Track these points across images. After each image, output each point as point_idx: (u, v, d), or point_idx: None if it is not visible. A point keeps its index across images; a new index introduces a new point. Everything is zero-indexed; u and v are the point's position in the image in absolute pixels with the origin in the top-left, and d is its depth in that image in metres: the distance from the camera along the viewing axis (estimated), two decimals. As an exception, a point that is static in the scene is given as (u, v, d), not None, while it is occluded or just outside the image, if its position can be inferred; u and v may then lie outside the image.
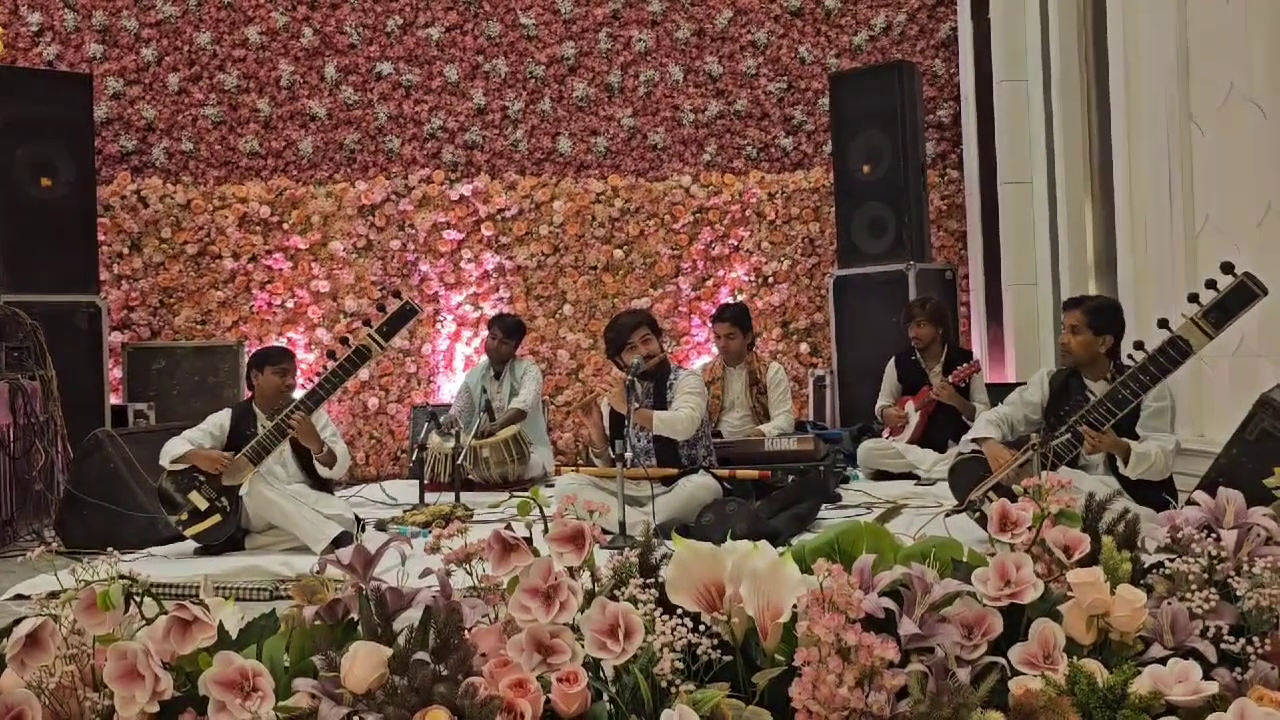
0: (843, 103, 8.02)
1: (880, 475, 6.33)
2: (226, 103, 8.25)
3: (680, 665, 1.93)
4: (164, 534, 4.95)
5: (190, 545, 4.84)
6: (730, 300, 8.13)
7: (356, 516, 5.04)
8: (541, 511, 2.42)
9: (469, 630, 2.07)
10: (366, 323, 4.83)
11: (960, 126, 8.47)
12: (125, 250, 8.04)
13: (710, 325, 6.96)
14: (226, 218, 8.10)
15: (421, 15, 8.40)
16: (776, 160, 8.57)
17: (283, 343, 7.91)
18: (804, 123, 8.57)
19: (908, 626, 2.00)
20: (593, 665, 2.03)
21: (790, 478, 5.26)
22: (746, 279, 8.47)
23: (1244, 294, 3.62)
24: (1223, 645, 2.04)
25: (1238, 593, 2.11)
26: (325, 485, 5.20)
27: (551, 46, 8.48)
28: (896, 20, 8.54)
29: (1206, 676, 1.96)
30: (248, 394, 5.30)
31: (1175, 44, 5.59)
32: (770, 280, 8.46)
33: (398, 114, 8.36)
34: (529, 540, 2.25)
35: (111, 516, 5.06)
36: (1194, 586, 2.10)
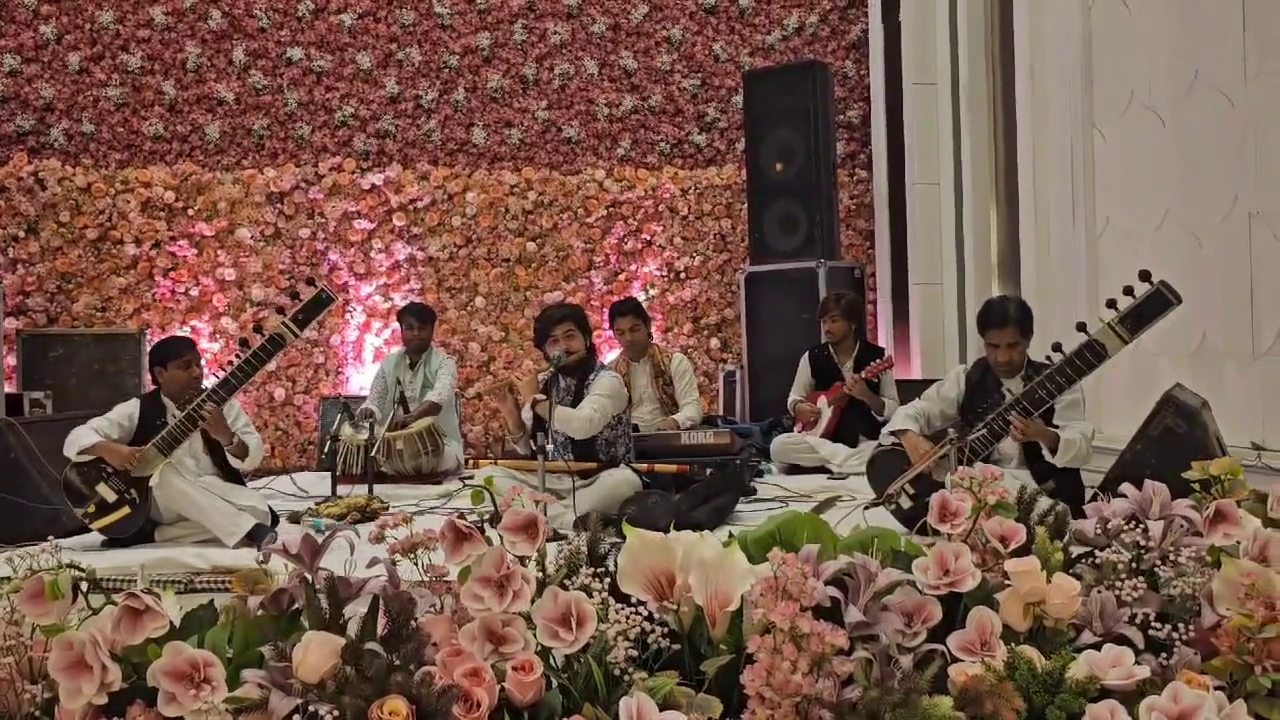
0: (756, 101, 8.10)
1: (793, 469, 6.41)
2: (130, 84, 8.03)
3: (634, 653, 1.96)
4: (69, 526, 4.77)
5: (97, 538, 4.70)
6: (639, 295, 8.16)
7: (270, 508, 4.95)
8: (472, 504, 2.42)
9: (419, 620, 2.06)
10: (280, 311, 4.74)
11: (869, 127, 8.62)
12: (21, 234, 7.77)
13: (610, 321, 6.86)
14: (129, 202, 7.88)
15: (334, 1, 8.28)
16: (690, 156, 8.63)
17: (186, 331, 7.74)
18: (717, 120, 8.65)
19: (853, 615, 2.05)
20: (542, 654, 2.04)
21: (708, 471, 5.30)
22: (658, 274, 8.51)
23: (1159, 301, 3.76)
24: (1149, 631, 2.13)
25: (1162, 580, 2.20)
26: (237, 477, 5.10)
27: (466, 36, 8.42)
28: (809, 21, 8.66)
29: (1135, 662, 2.04)
30: (151, 386, 5.13)
31: (1079, 52, 5.79)
32: (682, 275, 8.52)
33: (308, 100, 8.23)
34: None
35: (13, 509, 4.88)
36: (1123, 575, 2.19)
